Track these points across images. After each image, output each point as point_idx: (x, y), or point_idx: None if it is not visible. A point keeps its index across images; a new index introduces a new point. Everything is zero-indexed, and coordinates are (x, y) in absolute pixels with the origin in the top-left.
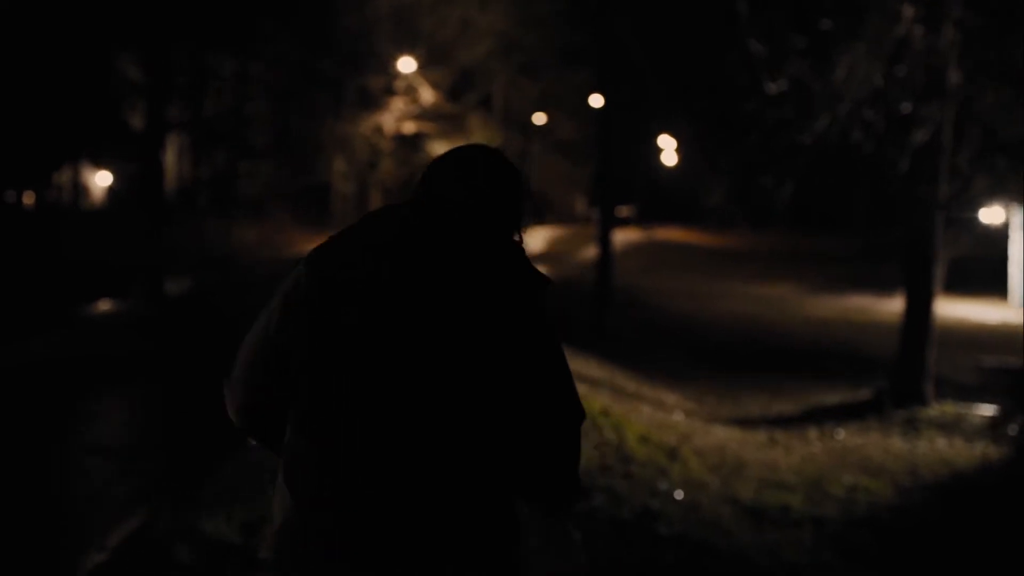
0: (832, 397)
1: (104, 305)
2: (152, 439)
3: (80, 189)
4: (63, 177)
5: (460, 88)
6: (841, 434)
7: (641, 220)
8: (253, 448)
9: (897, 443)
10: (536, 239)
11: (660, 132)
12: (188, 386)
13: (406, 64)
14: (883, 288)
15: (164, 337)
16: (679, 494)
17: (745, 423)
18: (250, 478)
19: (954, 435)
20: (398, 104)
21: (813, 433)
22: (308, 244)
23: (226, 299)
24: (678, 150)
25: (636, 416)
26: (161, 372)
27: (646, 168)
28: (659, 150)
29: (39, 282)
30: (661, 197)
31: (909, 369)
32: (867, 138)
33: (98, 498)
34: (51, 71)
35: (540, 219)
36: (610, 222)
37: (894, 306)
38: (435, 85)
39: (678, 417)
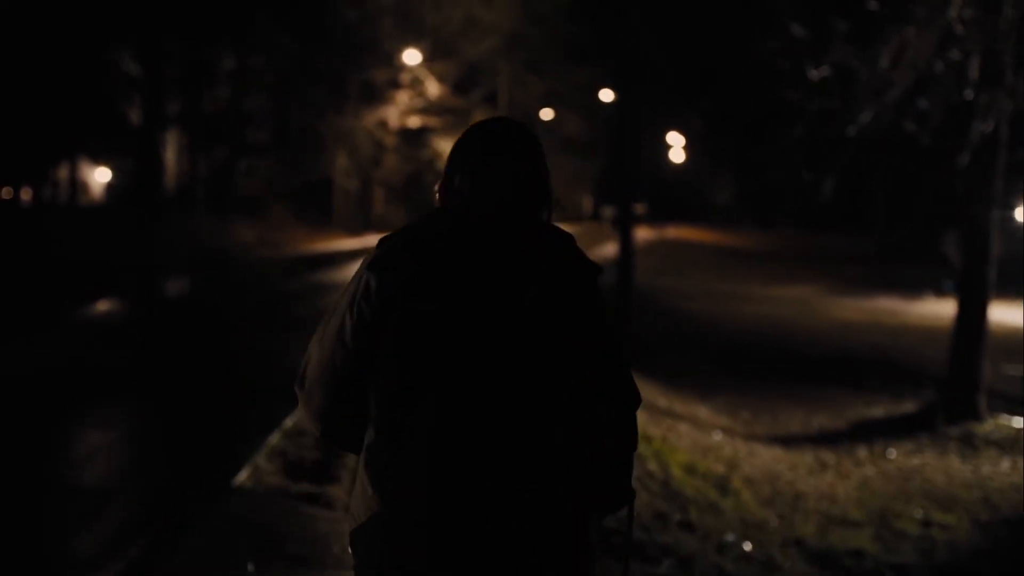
0: (875, 410)
1: (93, 306)
2: (127, 474)
3: (78, 185)
4: (61, 173)
5: (465, 83)
6: (893, 454)
7: (651, 218)
8: (235, 496)
9: (956, 464)
10: None
11: (667, 129)
12: (176, 404)
13: (411, 56)
14: (908, 289)
15: (155, 343)
16: (747, 546)
17: (787, 442)
18: (228, 540)
19: (1016, 454)
20: (403, 97)
21: (863, 453)
22: (309, 243)
23: (223, 301)
24: (686, 147)
25: (676, 439)
26: (147, 386)
27: (653, 166)
28: (667, 147)
29: (27, 282)
30: (667, 195)
31: (961, 381)
32: (922, 129)
33: (46, 561)
34: (47, 66)
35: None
36: (630, 221)
37: (923, 309)
38: (441, 78)
39: (717, 437)
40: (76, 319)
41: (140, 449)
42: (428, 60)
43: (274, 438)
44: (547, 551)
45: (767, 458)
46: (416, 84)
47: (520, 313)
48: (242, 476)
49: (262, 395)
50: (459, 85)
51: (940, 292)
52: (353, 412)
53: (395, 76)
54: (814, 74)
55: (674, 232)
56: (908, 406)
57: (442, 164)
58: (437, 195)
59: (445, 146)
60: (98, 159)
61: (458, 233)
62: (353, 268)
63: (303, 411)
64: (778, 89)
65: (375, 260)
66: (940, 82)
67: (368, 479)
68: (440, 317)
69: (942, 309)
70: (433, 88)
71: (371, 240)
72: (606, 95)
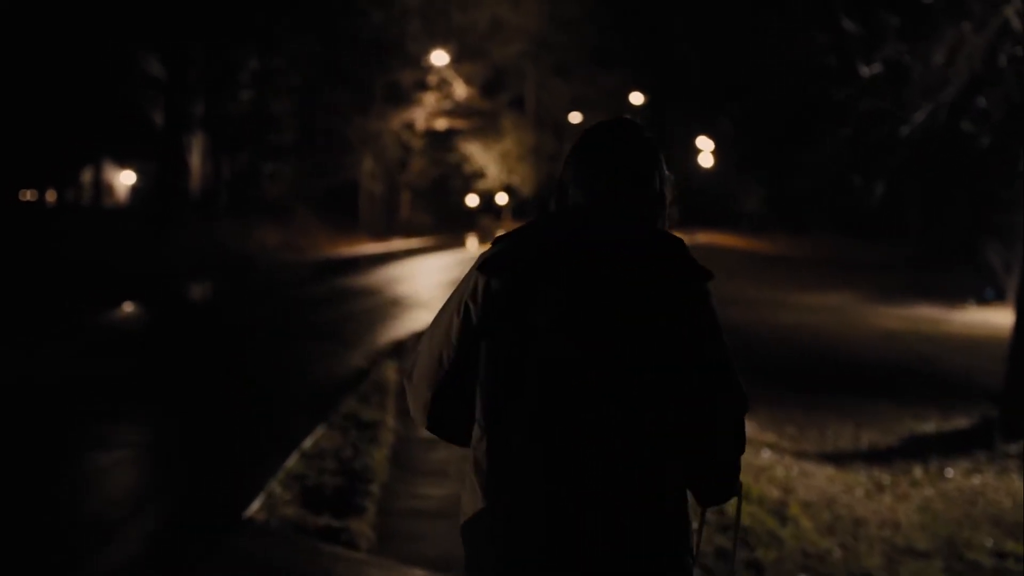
0: (926, 425)
1: (111, 312)
2: (130, 503)
3: (102, 188)
4: (85, 176)
5: (493, 86)
6: (950, 473)
7: (680, 223)
8: (245, 530)
9: (1019, 486)
10: None
11: (695, 133)
12: (188, 421)
13: (438, 57)
14: (947, 297)
15: (171, 352)
16: None
17: (838, 460)
18: None
19: None
20: (430, 99)
21: (918, 472)
22: (335, 247)
23: (245, 307)
24: (715, 152)
25: None
26: (159, 399)
27: (681, 170)
28: (696, 151)
29: (45, 285)
30: (695, 200)
31: (1020, 395)
32: (980, 129)
33: None
34: (71, 69)
35: None
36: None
37: (966, 317)
38: (468, 80)
39: (765, 455)
40: (93, 325)
41: (146, 473)
42: (455, 62)
43: (291, 461)
44: (652, 548)
45: (821, 479)
46: (443, 86)
47: (630, 319)
48: (255, 506)
49: (281, 410)
50: (486, 88)
51: (982, 300)
52: (459, 408)
53: (422, 78)
54: (865, 71)
55: (704, 237)
56: (961, 421)
57: (470, 167)
58: (554, 199)
59: (472, 149)
60: (123, 162)
61: (569, 238)
62: (379, 273)
63: (410, 403)
64: (822, 89)
65: (486, 261)
66: (1002, 79)
67: (476, 477)
68: (548, 321)
69: (986, 317)
70: (460, 89)
71: (397, 244)
72: (635, 98)
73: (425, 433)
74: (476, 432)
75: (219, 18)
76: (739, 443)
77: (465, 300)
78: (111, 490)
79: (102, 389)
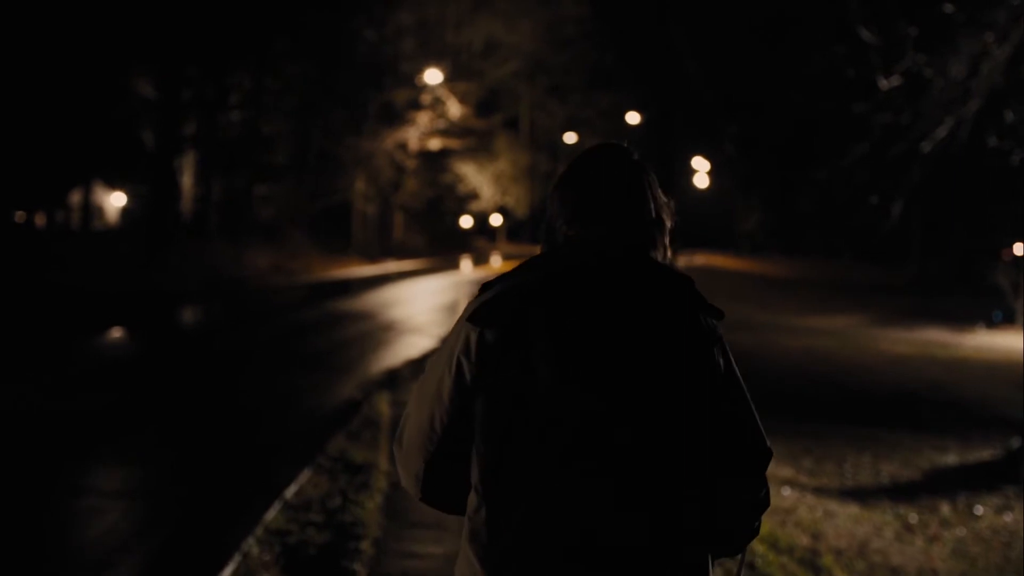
0: (946, 457)
1: (96, 339)
2: (96, 566)
3: (92, 210)
4: (74, 198)
5: (487, 107)
6: (980, 510)
7: (678, 245)
8: None
9: None
10: None
11: (691, 154)
12: (166, 459)
13: (432, 76)
14: (954, 320)
15: (156, 382)
16: None
17: (860, 496)
18: None
19: None
20: (423, 119)
21: (946, 509)
22: (327, 270)
23: (235, 333)
24: (711, 172)
25: None
26: (137, 442)
27: (677, 191)
28: (691, 172)
29: (31, 310)
30: (692, 221)
31: None
32: (1014, 145)
33: None
34: (61, 89)
35: None
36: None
37: (976, 341)
38: (462, 99)
39: (786, 493)
40: (76, 354)
41: (108, 529)
42: (449, 81)
43: (272, 514)
44: None
45: (846, 519)
46: (436, 105)
47: (640, 366)
48: (227, 573)
49: (266, 449)
50: (480, 108)
51: (992, 323)
52: (455, 476)
53: (415, 97)
54: (884, 83)
55: (702, 259)
56: (983, 452)
57: (463, 188)
58: (543, 239)
59: (466, 169)
60: (114, 184)
61: (565, 280)
62: (372, 297)
63: (401, 472)
64: (839, 103)
65: (476, 312)
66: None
67: (473, 549)
68: (550, 373)
69: (996, 341)
70: (454, 109)
71: (390, 266)
72: (632, 118)
73: None
74: (473, 500)
75: (212, 39)
76: (758, 500)
77: (457, 356)
78: (67, 549)
79: (77, 426)
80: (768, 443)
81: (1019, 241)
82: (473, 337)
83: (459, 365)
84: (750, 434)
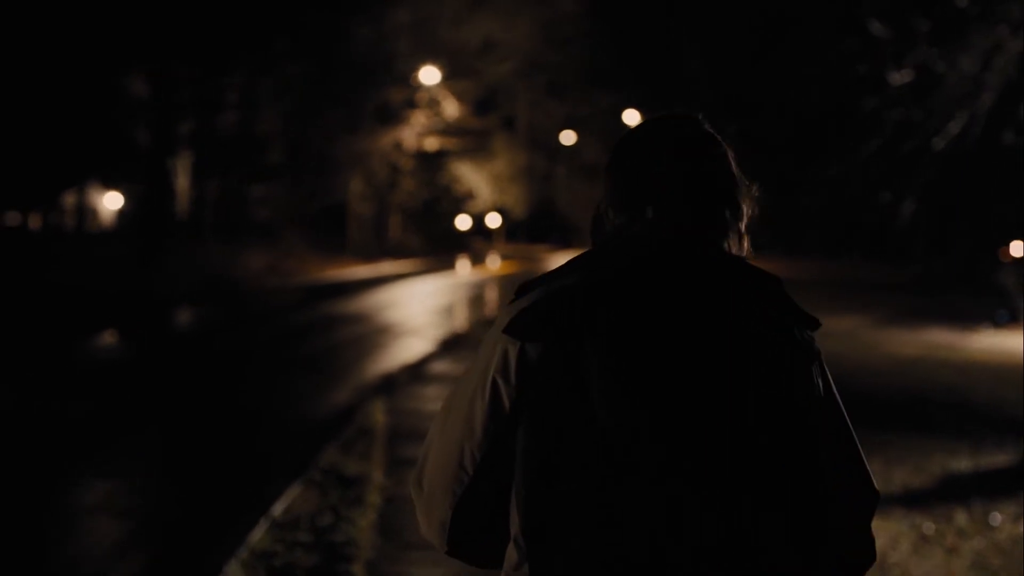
0: (958, 462)
1: (90, 342)
2: None
3: (87, 211)
4: (69, 199)
5: (484, 106)
6: (997, 519)
7: None
8: None
9: None
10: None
11: None
12: (154, 468)
13: (429, 74)
14: (959, 321)
15: (144, 390)
16: None
17: None
18: None
19: None
20: (419, 118)
21: (962, 518)
22: (323, 271)
23: (229, 335)
24: None
25: None
26: (123, 450)
27: None
28: None
29: (23, 313)
30: None
31: None
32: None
33: None
34: (56, 90)
35: (565, 243)
36: None
37: (983, 342)
38: (459, 98)
39: None
40: (66, 356)
41: (84, 545)
42: (446, 80)
43: (257, 533)
44: None
45: None
46: (433, 104)
47: (722, 391)
48: None
49: (256, 459)
50: (478, 107)
51: (998, 323)
52: (489, 524)
53: (411, 96)
54: (896, 78)
55: None
56: (996, 457)
57: (460, 188)
58: (593, 234)
59: (463, 169)
60: (110, 185)
61: (625, 281)
62: (368, 298)
63: (421, 520)
64: (850, 99)
65: (515, 322)
66: None
67: None
68: (612, 396)
69: (1003, 342)
70: (451, 108)
71: (386, 267)
72: (631, 118)
73: None
74: (512, 555)
75: (208, 39)
76: (865, 554)
77: (492, 376)
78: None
79: (61, 432)
80: (876, 484)
81: (1016, 240)
82: (512, 353)
83: (495, 388)
84: (856, 474)
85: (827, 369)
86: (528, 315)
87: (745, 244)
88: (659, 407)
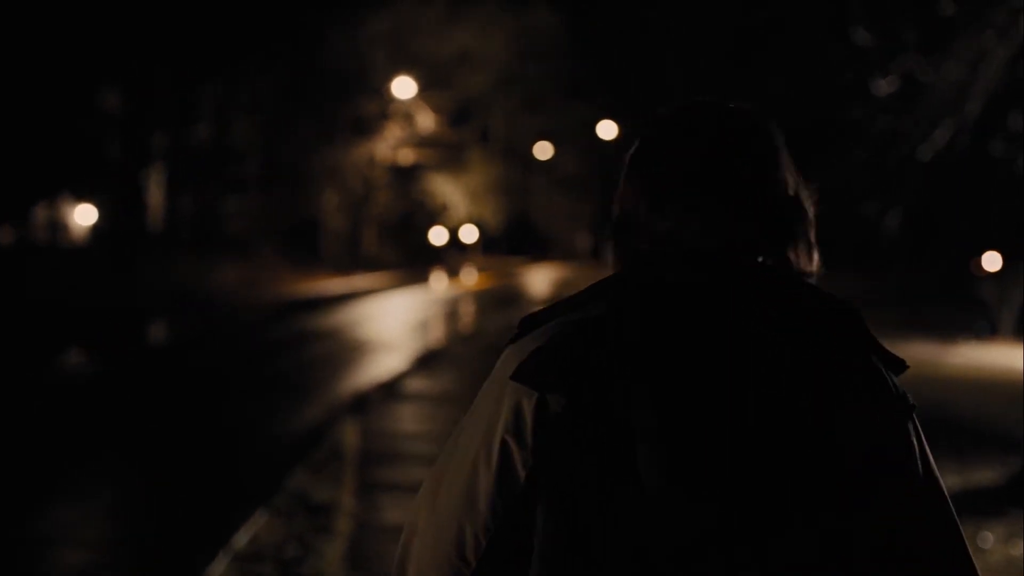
0: (946, 479)
1: (56, 359)
2: None
3: (59, 225)
4: (39, 213)
5: (459, 119)
6: (989, 540)
7: None
8: None
9: None
10: (538, 279)
11: None
12: (114, 493)
13: (403, 86)
14: (941, 333)
15: (108, 411)
16: None
17: None
18: None
19: None
20: (394, 131)
21: None
22: (297, 285)
23: (201, 352)
24: None
25: None
26: (82, 477)
27: None
28: None
29: None
30: None
31: None
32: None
33: None
34: (28, 102)
35: (542, 256)
36: None
37: (965, 356)
38: (434, 109)
39: None
40: (32, 375)
41: None
42: (421, 91)
43: (218, 568)
44: None
45: None
46: (408, 117)
47: (797, 452)
48: None
49: (220, 484)
50: (453, 119)
51: (979, 336)
52: None
53: (386, 108)
54: (882, 86)
55: None
56: (984, 474)
57: (435, 201)
58: (613, 248)
59: (439, 182)
60: (82, 198)
61: (664, 311)
62: (341, 313)
63: None
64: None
65: (527, 366)
66: None
67: None
68: (656, 463)
69: (985, 355)
70: (426, 120)
71: (360, 281)
72: (607, 130)
73: (391, 518)
74: None
75: (181, 51)
76: None
77: (500, 438)
78: None
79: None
80: (973, 563)
81: (988, 251)
82: (528, 407)
83: (504, 452)
84: (957, 559)
85: (915, 422)
86: (545, 357)
87: (815, 258)
88: (716, 480)
